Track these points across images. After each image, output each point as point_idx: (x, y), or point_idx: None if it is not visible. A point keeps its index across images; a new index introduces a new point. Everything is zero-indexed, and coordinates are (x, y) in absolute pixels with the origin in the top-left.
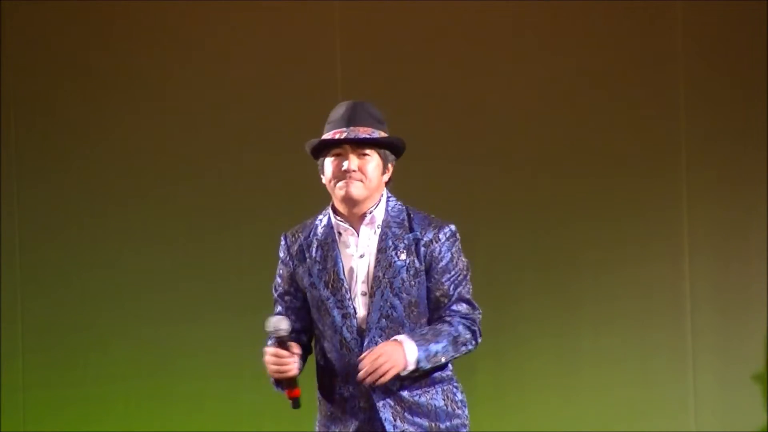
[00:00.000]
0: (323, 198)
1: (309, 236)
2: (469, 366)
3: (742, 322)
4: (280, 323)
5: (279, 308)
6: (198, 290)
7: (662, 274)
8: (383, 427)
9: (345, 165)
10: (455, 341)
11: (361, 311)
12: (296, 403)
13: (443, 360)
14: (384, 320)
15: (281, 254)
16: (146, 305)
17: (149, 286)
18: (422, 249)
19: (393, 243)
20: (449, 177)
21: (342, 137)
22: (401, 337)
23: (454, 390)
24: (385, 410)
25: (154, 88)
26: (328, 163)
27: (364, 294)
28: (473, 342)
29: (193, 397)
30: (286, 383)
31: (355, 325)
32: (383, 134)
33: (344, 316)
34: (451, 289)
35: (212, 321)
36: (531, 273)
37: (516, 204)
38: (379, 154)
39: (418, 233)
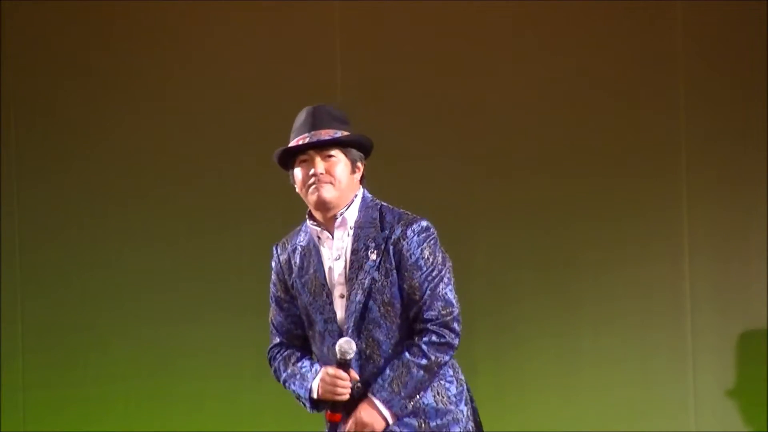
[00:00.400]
0: None
1: (294, 244)
2: (469, 366)
3: (742, 322)
4: (348, 345)
5: (278, 317)
6: (198, 290)
7: (662, 274)
8: None
9: (312, 170)
10: (428, 370)
11: (340, 314)
12: (333, 428)
13: (422, 390)
14: (361, 322)
15: (273, 264)
16: (146, 305)
17: (149, 286)
18: (391, 247)
19: (365, 244)
20: (449, 177)
21: (305, 143)
22: (375, 401)
23: (447, 385)
24: None
25: (154, 88)
26: (297, 171)
27: (342, 297)
28: (450, 351)
29: (193, 397)
30: (333, 406)
31: (336, 328)
32: (346, 134)
33: (326, 321)
34: (424, 286)
35: (212, 321)
36: (531, 273)
37: (516, 204)
38: (345, 154)
39: (387, 231)
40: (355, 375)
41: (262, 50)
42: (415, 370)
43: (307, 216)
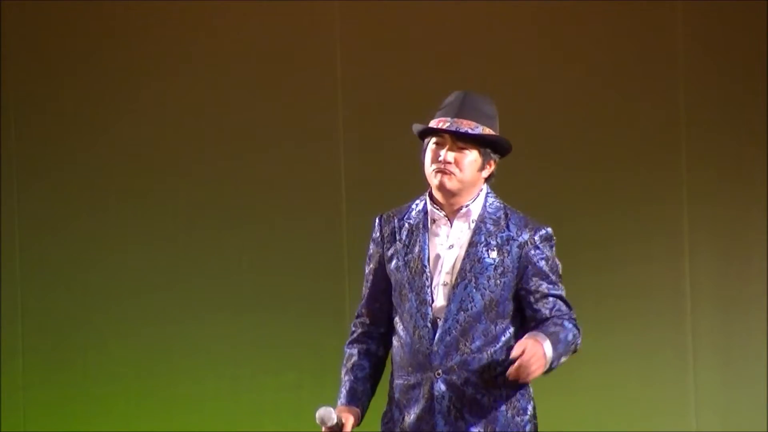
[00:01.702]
0: (323, 198)
1: (402, 219)
2: None
3: (742, 321)
4: (326, 417)
5: (367, 291)
6: (198, 290)
7: (662, 273)
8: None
9: (442, 155)
10: (572, 341)
11: (440, 301)
12: None
13: (563, 361)
14: (462, 313)
15: (374, 235)
16: (146, 305)
17: (149, 285)
18: (516, 250)
19: (485, 239)
20: None
21: (444, 127)
22: (540, 336)
23: (524, 402)
24: (443, 401)
25: (154, 88)
26: (429, 150)
27: (445, 285)
28: (579, 338)
29: (193, 397)
30: None
31: (430, 313)
32: (489, 130)
33: (421, 303)
34: (549, 290)
35: (212, 321)
36: None
37: (515, 203)
38: (478, 150)
39: (513, 233)
40: (348, 423)
41: (262, 50)
42: (563, 332)
43: (427, 196)
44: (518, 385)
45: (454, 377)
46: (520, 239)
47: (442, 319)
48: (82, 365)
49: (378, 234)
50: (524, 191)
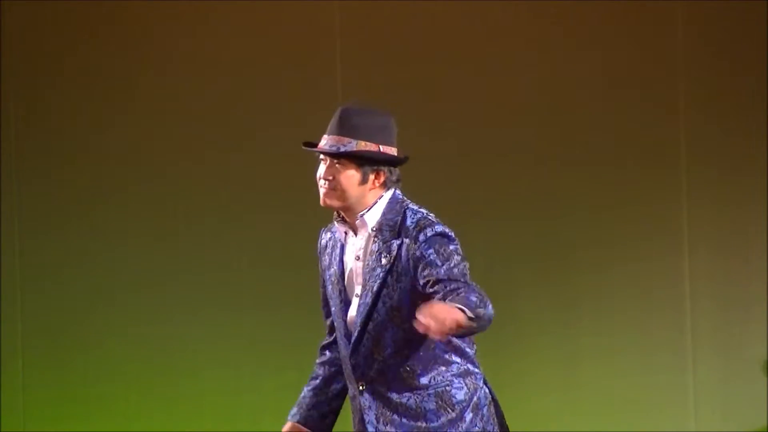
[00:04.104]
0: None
1: (332, 234)
2: None
3: (742, 320)
4: None
5: (322, 303)
6: (198, 290)
7: (662, 271)
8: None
9: (320, 172)
10: (476, 301)
11: (352, 312)
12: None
13: (483, 318)
14: (370, 323)
15: (317, 246)
16: (146, 305)
17: (149, 285)
18: (404, 252)
19: (379, 247)
20: (448, 175)
21: (320, 145)
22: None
23: (454, 392)
24: (370, 412)
25: (154, 88)
26: (319, 167)
27: (357, 296)
28: (485, 304)
29: (193, 397)
30: None
31: (345, 327)
32: (366, 144)
33: (338, 317)
34: (439, 275)
35: (212, 320)
36: (530, 271)
37: (516, 202)
38: (355, 164)
39: (403, 236)
40: None
41: (262, 50)
42: (464, 296)
43: (335, 211)
44: (445, 379)
45: (377, 386)
46: (407, 240)
47: (354, 332)
48: (82, 365)
49: (317, 248)
50: (524, 192)
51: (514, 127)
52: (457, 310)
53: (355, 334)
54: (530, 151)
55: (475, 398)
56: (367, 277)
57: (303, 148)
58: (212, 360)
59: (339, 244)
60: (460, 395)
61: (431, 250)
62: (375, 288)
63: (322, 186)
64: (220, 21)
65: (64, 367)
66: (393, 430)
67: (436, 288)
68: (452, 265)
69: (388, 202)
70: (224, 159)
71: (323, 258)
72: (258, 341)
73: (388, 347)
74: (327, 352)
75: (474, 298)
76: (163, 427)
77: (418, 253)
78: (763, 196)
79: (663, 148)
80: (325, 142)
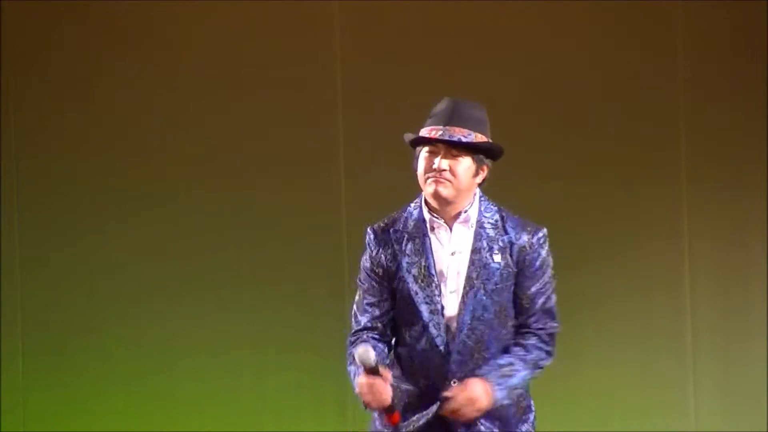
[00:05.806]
0: (322, 197)
1: (398, 230)
2: None
3: (742, 323)
4: (367, 354)
5: (370, 298)
6: (198, 290)
7: (662, 275)
8: (451, 425)
9: (436, 163)
10: (533, 367)
11: (451, 309)
12: (397, 430)
13: (520, 388)
14: (476, 321)
15: (370, 247)
16: (146, 305)
17: (149, 285)
18: (516, 253)
19: (488, 244)
20: None
21: (437, 136)
22: (487, 381)
23: (525, 396)
24: None
25: (154, 89)
26: (422, 158)
27: (452, 292)
28: (548, 359)
29: (193, 398)
30: (384, 410)
31: (442, 322)
32: (480, 137)
33: (432, 312)
34: (536, 297)
35: (213, 321)
36: None
37: (516, 208)
38: (472, 157)
39: (512, 236)
40: (387, 374)
41: (261, 50)
42: (521, 364)
43: (423, 204)
44: (526, 404)
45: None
46: (520, 242)
47: (456, 328)
48: (82, 365)
49: (374, 246)
50: (524, 195)
51: (514, 127)
52: (489, 398)
53: (461, 331)
54: (529, 153)
55: (532, 404)
56: (475, 274)
57: (415, 137)
58: (212, 361)
59: (423, 238)
60: (533, 405)
61: (539, 260)
62: (487, 286)
63: (437, 177)
64: (220, 22)
65: (64, 367)
66: (477, 427)
67: (527, 310)
68: (548, 279)
69: (481, 200)
70: (224, 159)
71: (385, 253)
72: (258, 343)
73: (491, 347)
74: (378, 342)
75: (526, 374)
76: (163, 427)
77: (529, 258)
78: (763, 200)
79: (663, 151)
80: (442, 132)
